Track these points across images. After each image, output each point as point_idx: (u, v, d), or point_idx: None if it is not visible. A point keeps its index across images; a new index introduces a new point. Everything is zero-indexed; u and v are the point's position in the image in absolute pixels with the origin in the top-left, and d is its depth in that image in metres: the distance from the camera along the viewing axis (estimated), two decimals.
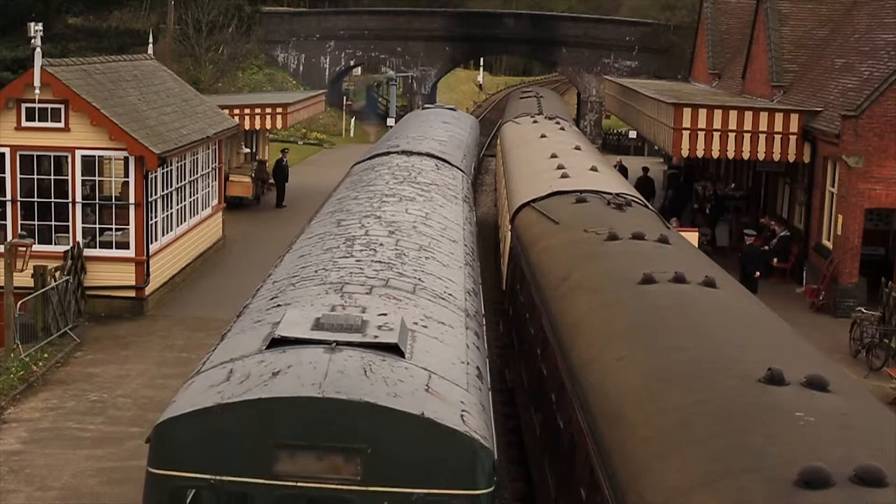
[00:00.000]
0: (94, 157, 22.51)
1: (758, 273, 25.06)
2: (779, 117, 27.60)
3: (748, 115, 27.73)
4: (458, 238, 15.97)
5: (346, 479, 8.27)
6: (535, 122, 32.50)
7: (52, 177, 22.55)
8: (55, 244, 22.31)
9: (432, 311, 11.06)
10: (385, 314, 10.11)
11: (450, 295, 12.14)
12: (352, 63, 69.85)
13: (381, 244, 13.57)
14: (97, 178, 22.72)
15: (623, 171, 36.19)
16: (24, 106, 22.15)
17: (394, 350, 9.12)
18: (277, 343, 9.11)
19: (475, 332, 11.46)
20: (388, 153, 23.76)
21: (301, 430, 8.25)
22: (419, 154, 23.57)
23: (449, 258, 14.12)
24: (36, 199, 22.52)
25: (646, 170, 39.68)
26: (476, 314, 12.39)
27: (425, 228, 15.33)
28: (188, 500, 8.42)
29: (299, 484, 8.30)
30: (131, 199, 22.44)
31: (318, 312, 9.73)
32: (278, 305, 10.84)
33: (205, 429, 8.38)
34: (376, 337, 9.25)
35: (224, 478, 8.32)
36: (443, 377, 9.15)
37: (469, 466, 8.33)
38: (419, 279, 12.18)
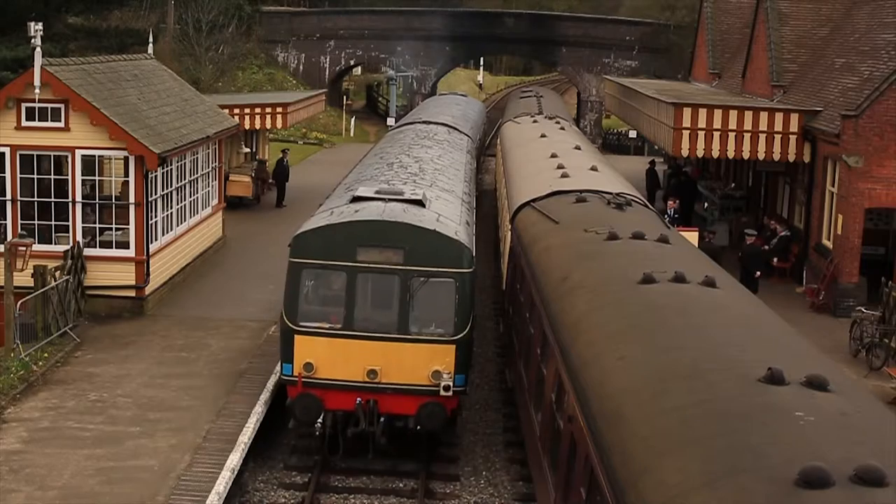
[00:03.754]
0: (94, 156, 22.47)
1: (758, 273, 25.07)
2: (779, 117, 27.59)
3: (748, 115, 27.72)
4: (460, 168, 24.19)
5: (394, 263, 15.94)
6: (535, 121, 32.50)
7: (52, 176, 22.53)
8: (55, 244, 22.28)
9: (441, 195, 18.98)
10: (414, 190, 18.02)
11: (452, 190, 20.25)
12: (352, 63, 69.85)
13: (409, 166, 21.73)
14: (97, 178, 22.69)
15: None
16: (24, 105, 22.13)
17: (419, 203, 17.00)
18: (356, 199, 17.08)
19: (467, 208, 19.72)
20: (412, 123, 31.88)
21: (371, 237, 15.95)
22: (436, 123, 31.08)
23: (453, 176, 22.34)
24: (36, 199, 22.51)
25: (652, 163, 40.08)
26: (469, 203, 20.77)
27: (438, 161, 23.52)
28: (311, 283, 16.33)
29: (369, 265, 15.99)
30: (131, 199, 22.42)
31: (377, 188, 17.85)
32: (351, 189, 18.62)
33: (320, 237, 16.12)
34: (410, 196, 17.21)
35: (329, 262, 16.05)
36: (446, 217, 17.11)
37: (458, 257, 16.08)
38: (434, 181, 20.33)
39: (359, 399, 15.82)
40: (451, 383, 15.80)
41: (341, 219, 16.23)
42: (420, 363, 15.85)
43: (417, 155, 23.45)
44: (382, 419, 15.94)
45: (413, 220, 16.10)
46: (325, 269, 16.13)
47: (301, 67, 67.68)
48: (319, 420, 15.97)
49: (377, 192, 17.30)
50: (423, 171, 21.12)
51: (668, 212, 33.53)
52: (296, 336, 15.97)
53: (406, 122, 32.99)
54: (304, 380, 15.91)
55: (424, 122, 31.17)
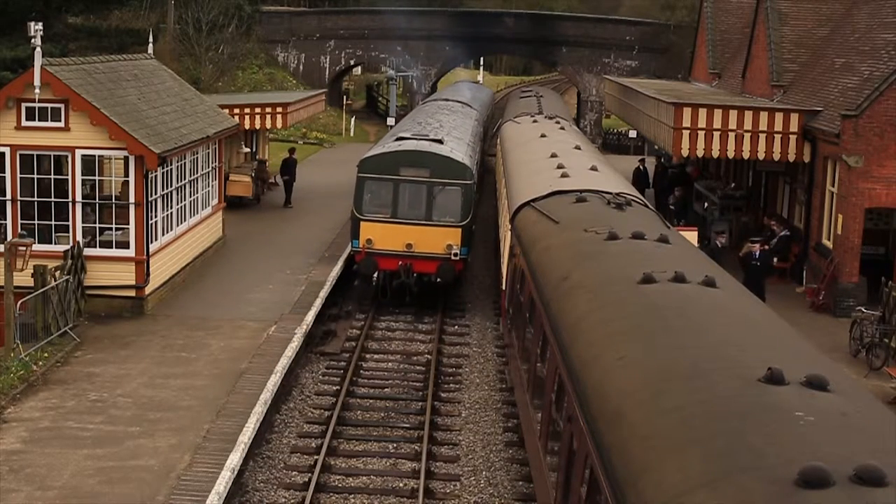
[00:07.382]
0: (94, 156, 22.47)
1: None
2: (779, 117, 27.57)
3: (748, 115, 27.69)
4: (469, 128, 32.83)
5: (423, 176, 25.34)
6: (534, 121, 32.50)
7: (52, 176, 22.52)
8: (55, 244, 22.27)
9: (454, 139, 28.04)
10: (436, 135, 27.23)
11: (461, 139, 29.18)
12: (352, 63, 69.82)
13: (433, 124, 30.71)
14: (97, 178, 22.69)
15: None
16: (24, 105, 22.13)
17: (439, 142, 26.47)
18: (399, 139, 26.94)
19: (471, 149, 28.82)
20: (435, 100, 42.00)
21: (409, 160, 25.48)
22: (453, 101, 40.27)
23: (463, 132, 31.19)
24: (36, 199, 22.51)
25: (642, 161, 40.11)
26: (472, 147, 29.74)
27: (452, 123, 32.35)
28: (371, 189, 25.57)
29: (407, 178, 25.38)
30: (131, 199, 22.42)
31: (412, 133, 27.69)
32: (394, 135, 28.35)
33: (377, 160, 25.74)
34: (433, 138, 26.76)
35: (382, 175, 25.47)
36: (457, 150, 26.55)
37: (463, 173, 25.58)
38: (449, 132, 29.15)
39: (400, 262, 24.97)
40: (458, 251, 25.02)
41: (390, 149, 26.01)
42: (439, 239, 25.04)
43: (439, 119, 32.88)
44: (415, 275, 25.10)
45: (435, 150, 25.67)
46: (379, 180, 25.34)
47: (301, 67, 67.65)
48: (375, 275, 25.28)
49: (413, 135, 27.07)
50: (442, 127, 30.24)
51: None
52: (361, 222, 25.29)
53: (431, 100, 44.28)
54: (366, 250, 25.16)
55: (444, 100, 40.83)
